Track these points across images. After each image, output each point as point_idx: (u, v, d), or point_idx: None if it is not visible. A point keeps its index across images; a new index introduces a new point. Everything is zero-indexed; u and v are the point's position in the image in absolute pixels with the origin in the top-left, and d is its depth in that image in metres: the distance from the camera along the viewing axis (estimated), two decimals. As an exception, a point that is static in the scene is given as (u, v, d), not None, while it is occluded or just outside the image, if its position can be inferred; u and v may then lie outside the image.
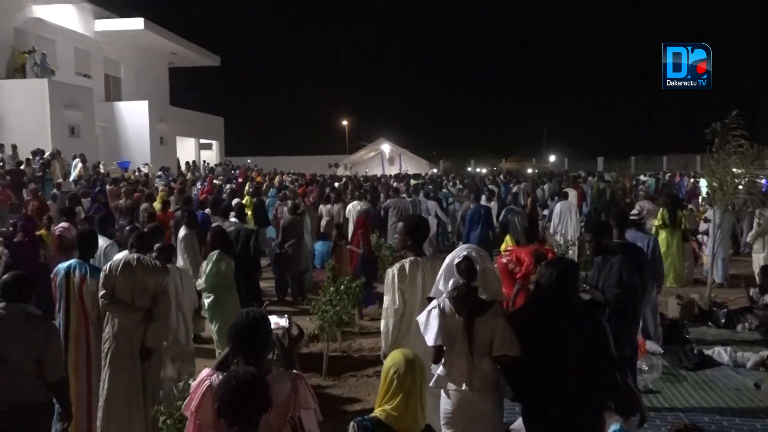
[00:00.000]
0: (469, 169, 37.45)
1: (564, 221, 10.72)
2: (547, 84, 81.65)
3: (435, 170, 33.19)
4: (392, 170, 31.11)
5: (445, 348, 3.19)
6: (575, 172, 28.15)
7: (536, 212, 13.58)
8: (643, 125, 64.39)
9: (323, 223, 11.80)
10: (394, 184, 18.22)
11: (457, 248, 3.44)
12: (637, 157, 36.63)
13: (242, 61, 71.11)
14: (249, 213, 10.44)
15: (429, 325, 3.18)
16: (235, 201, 10.89)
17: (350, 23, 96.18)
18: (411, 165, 32.94)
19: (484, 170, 34.39)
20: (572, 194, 13.79)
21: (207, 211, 9.32)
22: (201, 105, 32.62)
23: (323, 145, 45.54)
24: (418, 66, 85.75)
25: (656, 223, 9.25)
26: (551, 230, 10.70)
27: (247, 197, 12.59)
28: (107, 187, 13.09)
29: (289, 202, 9.97)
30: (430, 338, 3.16)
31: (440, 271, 3.41)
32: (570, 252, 9.56)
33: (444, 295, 3.29)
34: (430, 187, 16.40)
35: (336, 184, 18.42)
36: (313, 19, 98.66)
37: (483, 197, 11.86)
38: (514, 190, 17.15)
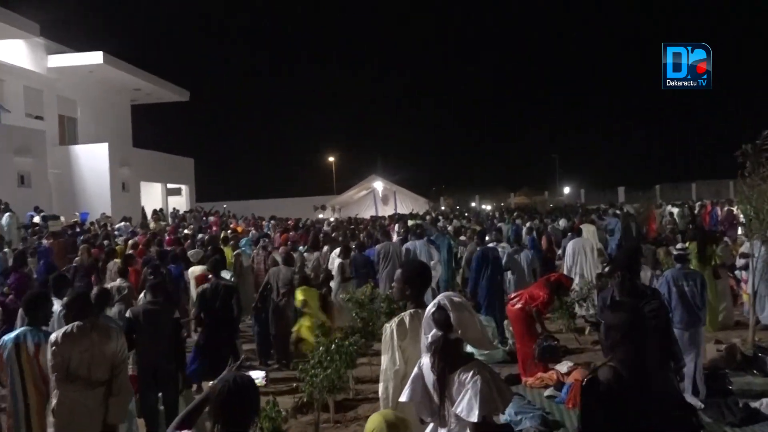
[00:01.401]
0: (474, 204, 37.69)
1: (578, 262, 10.79)
2: (559, 107, 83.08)
3: (428, 208, 33.38)
4: (387, 210, 31.31)
5: (421, 407, 3.21)
6: (594, 204, 28.36)
7: (553, 252, 13.66)
8: (668, 150, 65.48)
9: (308, 272, 11.78)
10: (393, 226, 18.31)
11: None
12: (663, 185, 37.00)
13: (214, 96, 72.60)
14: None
15: (410, 381, 3.25)
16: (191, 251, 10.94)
17: (335, 48, 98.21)
18: (407, 204, 33.25)
19: (488, 207, 34.59)
20: (588, 230, 13.89)
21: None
22: (168, 146, 33.09)
23: (307, 185, 46.05)
24: (412, 93, 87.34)
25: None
26: (564, 271, 10.73)
27: (226, 248, 12.63)
28: (44, 242, 13.00)
29: (281, 248, 10.06)
30: (402, 394, 3.23)
31: (423, 324, 3.43)
32: (587, 298, 9.59)
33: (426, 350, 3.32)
34: (438, 225, 16.36)
35: (324, 229, 18.53)
36: (293, 46, 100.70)
37: (487, 237, 11.90)
38: (527, 226, 17.24)
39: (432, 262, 11.14)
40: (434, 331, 3.27)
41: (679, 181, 37.95)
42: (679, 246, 7.25)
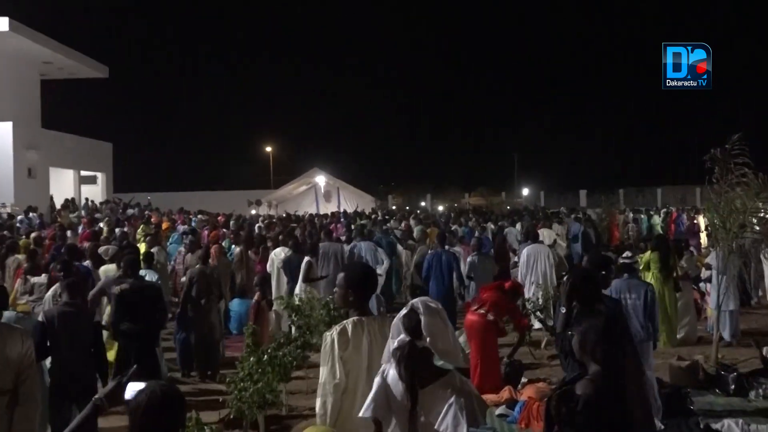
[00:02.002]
0: (423, 204, 38.03)
1: (535, 269, 10.90)
2: (518, 102, 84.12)
3: (375, 206, 33.54)
4: (329, 207, 31.28)
5: (383, 422, 3.22)
6: (554, 208, 28.93)
7: (507, 259, 13.84)
8: (632, 152, 67.29)
9: (240, 275, 11.74)
10: (335, 225, 18.29)
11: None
12: (627, 189, 38.08)
13: (137, 74, 70.67)
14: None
15: (372, 393, 3.25)
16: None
17: (276, 29, 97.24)
18: (352, 201, 33.34)
19: (440, 207, 34.95)
20: (546, 234, 14.14)
21: (87, 263, 9.08)
22: (83, 128, 32.19)
23: (241, 178, 45.59)
24: (359, 82, 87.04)
25: (639, 266, 9.38)
26: (519, 279, 10.87)
27: (143, 245, 12.40)
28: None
29: (213, 247, 10.04)
30: (363, 408, 3.22)
31: (390, 331, 3.43)
32: (544, 309, 9.76)
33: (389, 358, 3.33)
34: (385, 227, 16.46)
35: (258, 226, 18.36)
36: (230, 26, 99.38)
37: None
38: (485, 228, 17.48)
39: (382, 267, 11.22)
40: (402, 336, 3.30)
41: (643, 185, 39.13)
42: (626, 254, 7.41)
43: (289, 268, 10.58)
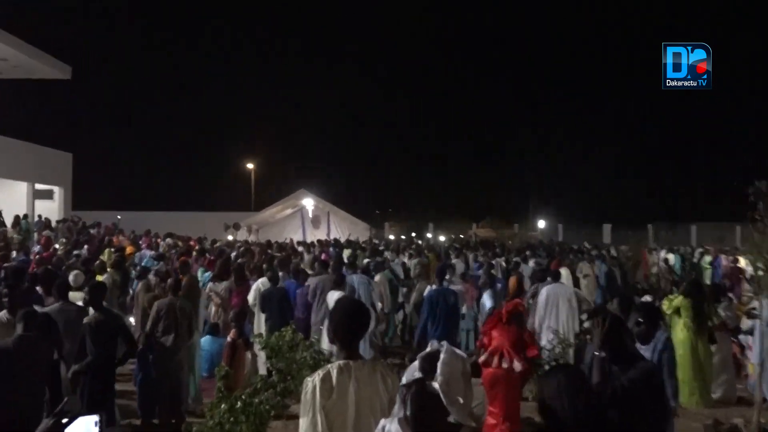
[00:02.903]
0: (429, 235, 38.01)
1: (552, 313, 10.90)
2: (535, 123, 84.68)
3: (370, 235, 33.50)
4: (317, 234, 31.26)
5: None
6: (574, 243, 28.92)
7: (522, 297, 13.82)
8: (666, 184, 67.79)
9: (211, 310, 11.78)
10: (324, 255, 18.29)
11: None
12: (657, 225, 38.12)
13: (104, 76, 71.26)
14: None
15: None
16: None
17: (260, 24, 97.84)
18: (344, 228, 33.43)
19: (442, 237, 34.97)
20: (564, 275, 14.10)
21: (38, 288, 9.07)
22: (40, 135, 32.28)
23: (219, 198, 45.74)
24: (354, 95, 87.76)
25: (667, 310, 9.48)
26: (536, 323, 10.84)
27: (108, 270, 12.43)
28: None
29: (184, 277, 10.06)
30: None
31: (382, 379, 3.43)
32: (561, 358, 9.69)
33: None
34: (379, 259, 16.51)
35: (233, 254, 18.34)
36: (208, 20, 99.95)
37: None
38: (498, 264, 17.46)
39: (379, 305, 11.21)
40: (414, 373, 3.30)
41: (676, 221, 39.17)
42: (645, 297, 7.40)
43: (268, 302, 10.62)
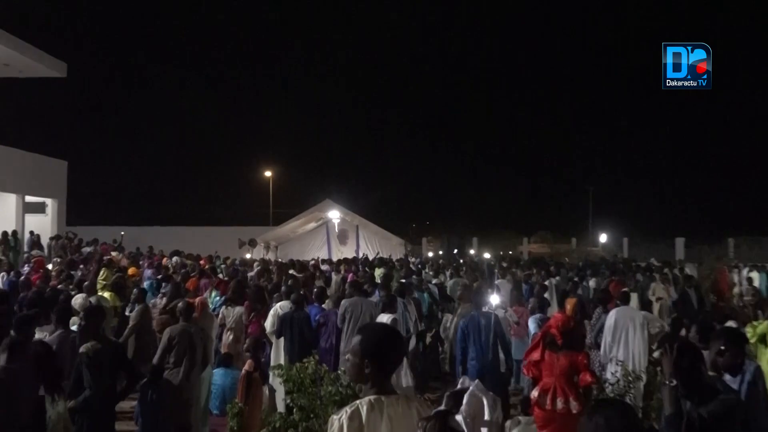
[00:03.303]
0: (473, 251, 37.91)
1: (621, 340, 10.84)
2: (595, 124, 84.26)
3: (406, 252, 33.44)
4: (345, 251, 31.37)
5: None
6: (641, 260, 28.70)
7: (581, 325, 13.83)
8: (748, 192, 66.84)
9: (227, 338, 11.87)
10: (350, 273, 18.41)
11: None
12: (738, 238, 37.63)
13: (104, 75, 71.49)
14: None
15: None
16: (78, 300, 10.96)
17: (282, 31, 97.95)
18: (374, 244, 33.58)
19: (487, 254, 34.87)
20: (633, 297, 14.07)
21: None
22: (32, 140, 32.60)
23: (233, 211, 46.02)
24: (385, 94, 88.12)
25: (751, 338, 9.16)
26: (601, 352, 10.82)
27: (108, 293, 12.67)
28: None
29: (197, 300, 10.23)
30: None
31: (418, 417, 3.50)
32: (632, 390, 9.66)
33: None
34: (415, 279, 16.57)
35: (250, 275, 18.53)
36: (219, 18, 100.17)
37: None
38: (552, 285, 17.42)
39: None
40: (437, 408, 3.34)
41: (760, 234, 38.60)
42: (729, 323, 7.36)
43: (289, 327, 10.63)
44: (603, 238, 43.20)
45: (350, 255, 29.19)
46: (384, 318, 10.27)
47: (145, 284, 14.50)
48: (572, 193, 67.75)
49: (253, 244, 32.27)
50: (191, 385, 8.88)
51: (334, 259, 28.21)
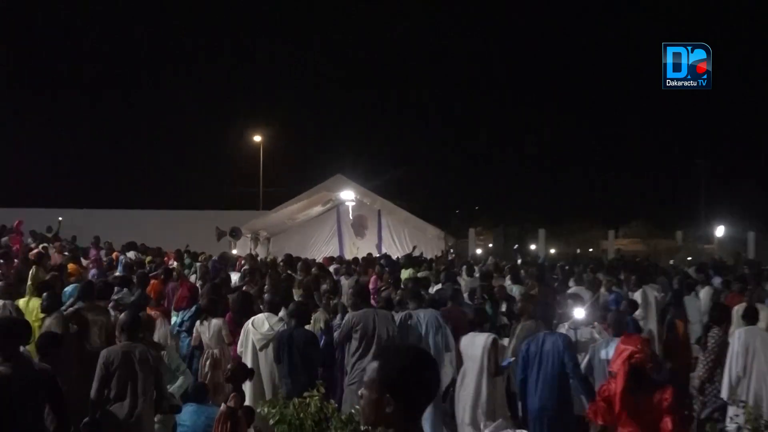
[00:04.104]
0: (534, 247, 37.75)
1: (750, 372, 10.88)
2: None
3: (447, 246, 33.28)
4: (363, 246, 31.29)
5: None
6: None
7: (688, 349, 13.71)
8: None
9: (202, 362, 11.99)
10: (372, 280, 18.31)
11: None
12: None
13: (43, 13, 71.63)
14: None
15: None
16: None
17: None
18: (404, 236, 33.61)
19: (552, 250, 34.75)
20: (764, 316, 13.96)
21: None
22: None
23: (209, 191, 45.87)
24: (420, 42, 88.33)
25: None
26: (724, 388, 10.86)
27: (30, 299, 12.79)
28: None
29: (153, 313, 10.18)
30: None
31: None
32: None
33: None
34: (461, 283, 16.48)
35: (233, 276, 18.51)
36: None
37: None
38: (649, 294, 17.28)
39: (448, 355, 11.21)
40: None
41: None
42: None
43: (286, 350, 10.63)
44: (719, 231, 42.91)
45: (371, 251, 29.05)
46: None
47: (68, 289, 14.29)
48: (677, 171, 67.51)
49: (235, 234, 32.02)
50: (141, 424, 8.89)
51: (347, 256, 28.16)
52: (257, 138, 49.11)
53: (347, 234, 33.70)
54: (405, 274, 19.89)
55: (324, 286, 15.79)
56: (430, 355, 4.26)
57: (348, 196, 33.79)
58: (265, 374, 10.89)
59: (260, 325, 11.15)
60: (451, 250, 32.80)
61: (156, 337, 11.50)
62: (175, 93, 79.42)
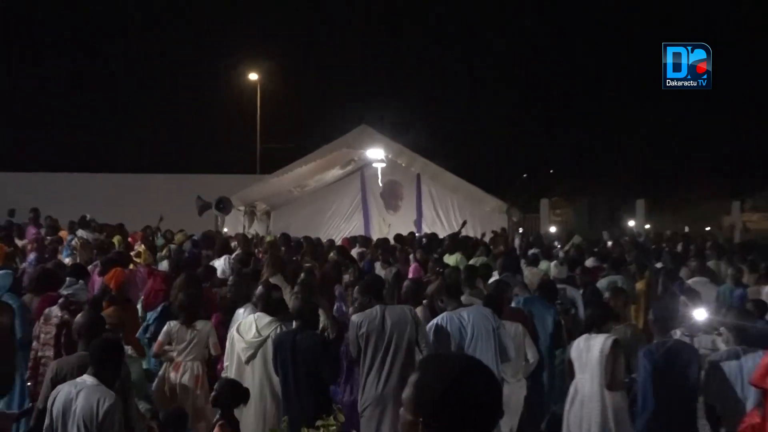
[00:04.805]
0: (632, 223, 37.73)
1: None
2: None
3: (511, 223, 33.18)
4: (397, 223, 31.19)
5: None
6: None
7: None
8: None
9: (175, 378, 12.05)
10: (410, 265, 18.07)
11: None
12: None
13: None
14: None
15: None
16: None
17: None
18: (450, 208, 33.80)
19: (647, 226, 34.71)
20: None
21: None
22: None
23: (189, 148, 46.07)
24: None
25: None
26: None
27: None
28: None
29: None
30: None
31: None
32: None
33: None
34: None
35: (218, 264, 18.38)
36: None
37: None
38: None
39: (510, 367, 11.32)
40: None
41: None
42: None
43: (291, 354, 10.64)
44: None
45: (406, 229, 28.97)
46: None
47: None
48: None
49: (224, 207, 31.72)
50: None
51: (376, 235, 28.00)
52: (253, 76, 49.45)
53: (375, 206, 33.66)
54: (450, 260, 19.63)
55: (346, 277, 15.68)
56: (486, 367, 4.35)
57: (376, 154, 33.62)
58: (254, 394, 10.73)
59: (246, 330, 11.26)
60: (520, 229, 32.64)
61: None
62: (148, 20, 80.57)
